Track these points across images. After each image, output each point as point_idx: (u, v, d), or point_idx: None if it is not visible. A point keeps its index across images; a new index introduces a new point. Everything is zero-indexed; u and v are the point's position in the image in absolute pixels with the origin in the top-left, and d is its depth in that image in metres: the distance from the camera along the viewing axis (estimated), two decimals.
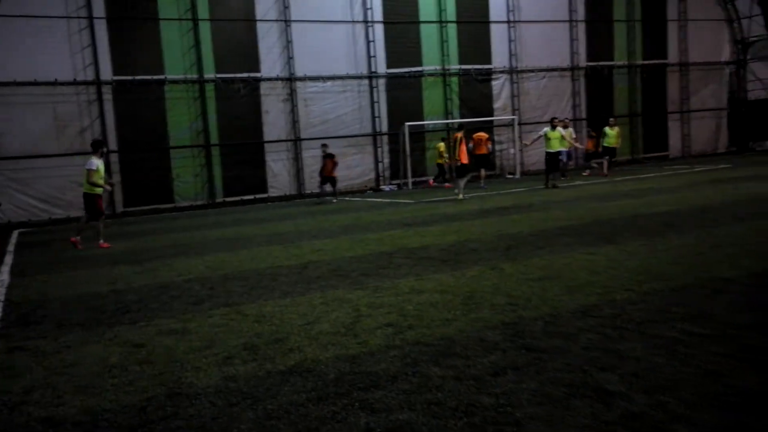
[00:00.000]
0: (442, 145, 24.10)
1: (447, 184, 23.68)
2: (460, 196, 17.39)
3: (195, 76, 22.45)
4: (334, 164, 20.84)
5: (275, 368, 4.49)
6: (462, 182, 17.75)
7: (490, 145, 23.70)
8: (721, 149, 31.32)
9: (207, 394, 4.08)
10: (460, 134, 18.02)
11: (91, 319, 6.41)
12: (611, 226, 10.25)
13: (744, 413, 3.25)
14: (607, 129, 22.43)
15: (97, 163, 12.61)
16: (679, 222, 10.03)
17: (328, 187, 21.35)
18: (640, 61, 29.39)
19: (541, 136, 19.51)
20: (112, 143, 21.39)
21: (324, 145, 21.33)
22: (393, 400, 3.77)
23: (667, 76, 30.22)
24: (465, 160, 17.80)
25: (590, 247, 8.39)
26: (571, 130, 22.25)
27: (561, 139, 19.55)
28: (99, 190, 12.70)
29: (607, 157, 22.27)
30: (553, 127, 19.28)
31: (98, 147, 12.92)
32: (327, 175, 20.96)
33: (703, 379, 3.72)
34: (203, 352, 4.99)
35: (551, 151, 19.11)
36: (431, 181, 24.71)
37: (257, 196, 23.39)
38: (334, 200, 20.60)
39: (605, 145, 22.41)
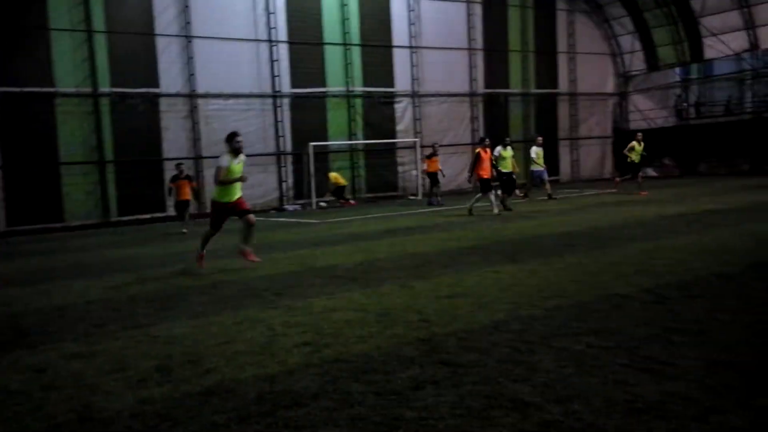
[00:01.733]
0: (333, 175, 24.83)
1: (347, 202, 24.63)
2: (496, 211, 16.61)
3: (89, 89, 21.53)
4: (192, 188, 18.18)
5: (192, 389, 4.39)
6: (491, 196, 16.87)
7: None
8: (606, 175, 33.35)
9: (122, 417, 3.94)
10: (480, 149, 17.20)
11: None
12: (512, 245, 10.69)
13: (649, 419, 3.51)
14: (635, 144, 21.28)
15: (230, 159, 9.96)
16: (574, 242, 10.61)
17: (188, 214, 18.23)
18: (533, 90, 30.94)
19: (495, 157, 18.78)
20: None
21: (180, 164, 18.56)
22: (317, 417, 3.78)
23: (558, 104, 31.97)
24: (487, 174, 17.00)
25: (494, 266, 8.72)
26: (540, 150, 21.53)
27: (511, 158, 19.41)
28: (227, 196, 10.03)
29: (640, 173, 21.29)
30: (505, 146, 19.01)
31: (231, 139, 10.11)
32: (183, 199, 17.80)
33: (609, 388, 3.97)
34: (113, 375, 4.79)
35: (504, 171, 18.59)
36: (352, 201, 25.12)
37: (155, 215, 22.59)
38: (184, 230, 17.17)
39: (634, 160, 21.17)
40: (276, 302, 7.18)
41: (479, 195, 17.18)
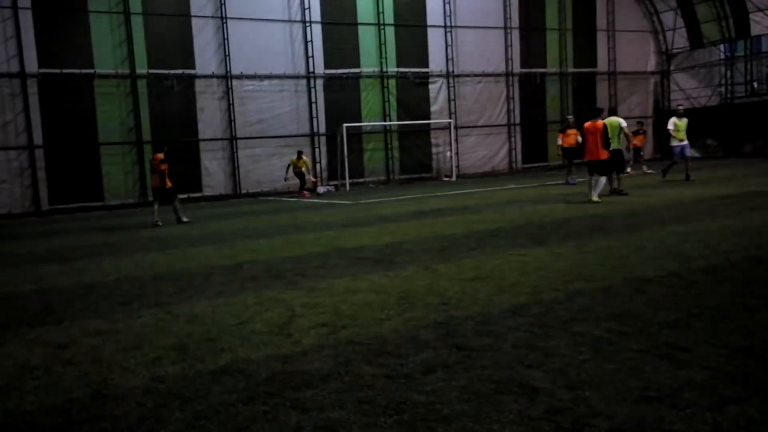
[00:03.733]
0: (295, 159, 22.36)
1: (305, 193, 22.32)
2: (595, 198, 14.01)
3: (126, 71, 21.88)
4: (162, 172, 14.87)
5: (205, 368, 4.43)
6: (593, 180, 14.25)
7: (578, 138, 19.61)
8: (647, 156, 32.53)
9: (134, 395, 3.99)
10: (590, 122, 14.53)
11: (12, 319, 6.17)
12: (542, 228, 10.53)
13: (661, 407, 3.40)
14: None
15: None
16: (606, 225, 10.39)
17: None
18: (571, 69, 30.34)
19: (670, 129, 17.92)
20: (38, 138, 20.64)
21: (166, 146, 15.90)
22: (324, 399, 3.77)
23: (596, 84, 31.30)
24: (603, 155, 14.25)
25: (521, 249, 8.60)
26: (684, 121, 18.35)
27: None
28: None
29: None
30: (680, 116, 17.90)
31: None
32: (166, 187, 14.93)
33: (624, 375, 3.87)
34: (131, 353, 4.87)
35: (615, 149, 15.30)
36: (305, 193, 22.51)
37: (191, 195, 22.93)
38: (182, 218, 15.08)
39: None
40: (299, 283, 7.20)
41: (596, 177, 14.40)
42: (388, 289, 6.62)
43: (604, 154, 14.28)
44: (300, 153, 22.63)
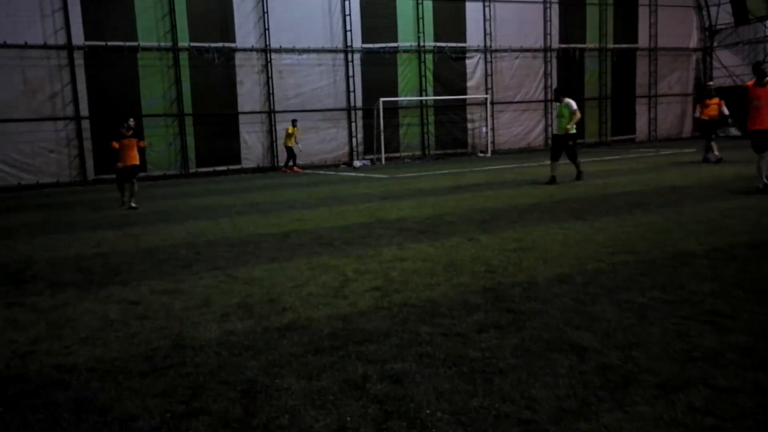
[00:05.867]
0: (290, 128, 22.88)
1: (297, 168, 22.90)
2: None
3: (169, 44, 22.25)
4: (141, 148, 14.45)
5: (271, 325, 4.75)
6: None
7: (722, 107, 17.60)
8: (686, 134, 32.18)
9: (210, 345, 4.33)
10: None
11: (82, 280, 6.58)
12: (581, 203, 10.66)
13: (706, 366, 3.62)
14: None
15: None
16: (646, 201, 10.48)
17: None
18: (611, 45, 29.94)
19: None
20: (84, 109, 21.18)
21: (129, 120, 14.19)
22: (386, 353, 4.06)
23: (636, 60, 30.85)
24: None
25: (562, 222, 8.77)
26: None
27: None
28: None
29: None
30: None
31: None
32: (130, 164, 13.63)
33: (669, 338, 4.09)
34: (200, 310, 5.22)
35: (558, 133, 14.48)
36: (284, 168, 23.15)
37: (230, 167, 23.41)
38: (133, 204, 13.40)
39: None
40: (347, 251, 7.50)
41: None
42: (435, 258, 6.88)
43: None
44: (294, 122, 22.95)
